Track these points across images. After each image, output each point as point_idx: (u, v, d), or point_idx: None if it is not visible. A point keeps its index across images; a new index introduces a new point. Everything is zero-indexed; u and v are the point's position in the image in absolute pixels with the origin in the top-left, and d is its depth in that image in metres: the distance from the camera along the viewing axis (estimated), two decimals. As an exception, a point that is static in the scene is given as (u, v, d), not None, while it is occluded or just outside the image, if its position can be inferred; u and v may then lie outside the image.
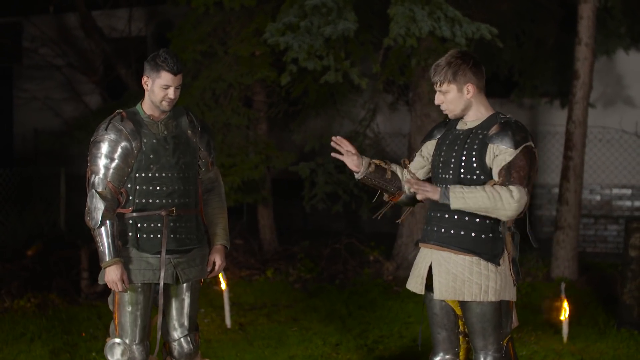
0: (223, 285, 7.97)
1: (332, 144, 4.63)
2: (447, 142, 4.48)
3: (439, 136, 4.61)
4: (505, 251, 4.35)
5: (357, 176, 4.67)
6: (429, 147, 4.68)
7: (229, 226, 5.16)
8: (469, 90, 4.37)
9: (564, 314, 7.37)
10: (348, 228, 13.24)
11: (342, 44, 9.23)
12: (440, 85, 4.39)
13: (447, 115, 4.53)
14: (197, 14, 10.68)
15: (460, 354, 4.63)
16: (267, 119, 11.81)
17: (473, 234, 4.32)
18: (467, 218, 4.32)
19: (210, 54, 10.86)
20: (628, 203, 12.99)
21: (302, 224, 14.38)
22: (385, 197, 4.81)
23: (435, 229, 4.42)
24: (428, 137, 4.71)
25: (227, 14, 10.75)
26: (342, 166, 10.83)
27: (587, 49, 9.84)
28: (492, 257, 4.31)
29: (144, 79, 4.70)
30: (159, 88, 4.66)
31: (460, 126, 4.49)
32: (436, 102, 4.47)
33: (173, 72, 4.65)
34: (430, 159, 4.66)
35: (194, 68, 10.87)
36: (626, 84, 12.88)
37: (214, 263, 4.97)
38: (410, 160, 4.80)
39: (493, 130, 4.31)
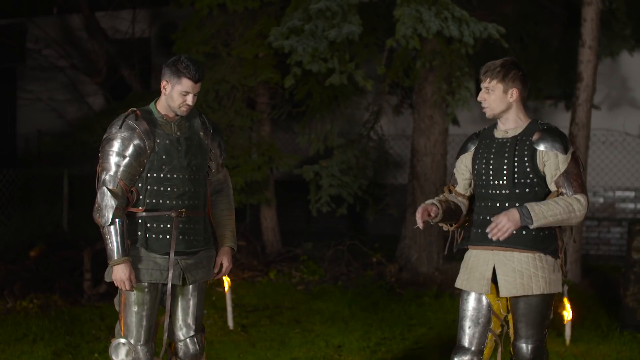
0: (226, 287, 7.97)
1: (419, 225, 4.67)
2: (493, 150, 4.66)
3: (473, 148, 4.81)
4: (558, 245, 4.60)
5: (435, 220, 4.73)
6: (464, 160, 4.86)
7: (233, 227, 5.16)
8: (513, 94, 4.61)
9: (567, 317, 7.37)
10: (351, 230, 13.24)
11: (346, 47, 9.23)
12: (489, 82, 4.61)
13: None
14: (201, 15, 10.69)
15: (485, 352, 4.72)
16: (270, 121, 11.81)
17: (533, 232, 4.53)
18: None
19: (213, 55, 10.87)
20: (631, 205, 12.97)
21: (306, 225, 14.37)
22: (445, 227, 4.93)
23: None
24: (462, 150, 4.90)
25: (230, 16, 10.76)
26: (346, 169, 10.83)
27: (591, 51, 9.82)
28: (553, 251, 4.58)
29: (163, 83, 4.69)
30: (178, 94, 4.66)
31: (500, 135, 4.69)
32: (479, 98, 4.68)
33: (194, 80, 4.65)
34: (469, 170, 4.82)
35: (198, 70, 10.86)
36: (630, 86, 12.87)
37: (221, 265, 4.97)
38: (452, 184, 4.95)
39: (537, 136, 4.56)
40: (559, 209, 4.40)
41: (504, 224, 4.38)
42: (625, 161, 12.87)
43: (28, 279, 9.51)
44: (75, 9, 15.07)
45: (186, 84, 4.64)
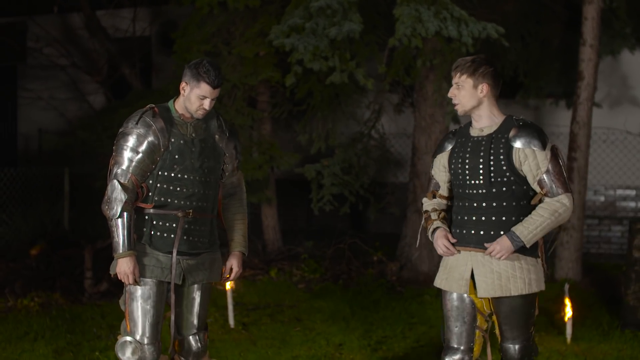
0: (227, 285, 7.97)
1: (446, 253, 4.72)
2: (469, 149, 4.59)
3: (450, 147, 4.73)
4: (538, 244, 4.56)
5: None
6: (442, 160, 4.79)
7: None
8: (484, 89, 4.52)
9: (568, 315, 7.36)
10: (352, 228, 13.24)
11: (347, 45, 9.22)
12: (459, 77, 4.54)
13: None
14: (202, 14, 10.68)
15: (475, 349, 4.70)
16: (271, 119, 11.81)
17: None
18: (504, 218, 4.49)
19: (214, 54, 10.86)
20: (632, 204, 12.97)
21: (306, 224, 14.37)
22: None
23: (473, 232, 4.56)
24: (439, 150, 4.83)
25: (231, 15, 10.75)
26: (347, 167, 10.82)
27: (592, 50, 9.82)
28: (532, 252, 4.52)
29: (182, 84, 4.71)
30: (195, 97, 4.67)
31: (475, 133, 4.61)
32: (449, 94, 4.61)
33: (213, 85, 4.66)
34: (447, 169, 4.77)
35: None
36: (631, 85, 12.86)
37: (231, 269, 4.98)
38: (435, 189, 4.88)
39: (513, 132, 4.47)
40: (544, 218, 4.40)
41: (497, 250, 4.42)
42: (626, 160, 12.87)
43: (29, 277, 9.51)
44: (75, 8, 15.06)
45: (205, 88, 4.65)
